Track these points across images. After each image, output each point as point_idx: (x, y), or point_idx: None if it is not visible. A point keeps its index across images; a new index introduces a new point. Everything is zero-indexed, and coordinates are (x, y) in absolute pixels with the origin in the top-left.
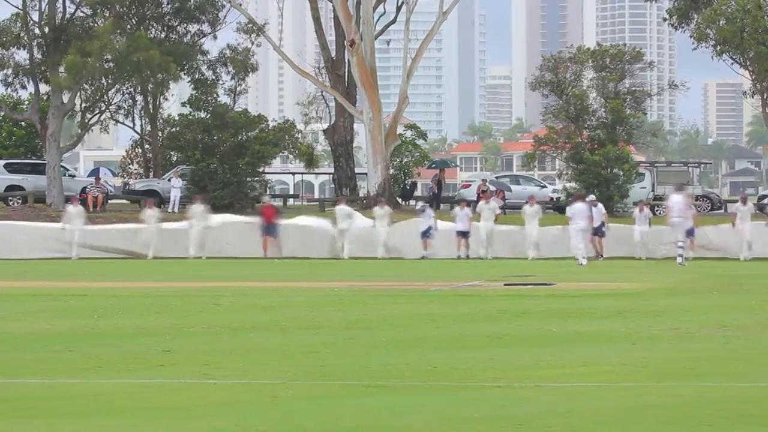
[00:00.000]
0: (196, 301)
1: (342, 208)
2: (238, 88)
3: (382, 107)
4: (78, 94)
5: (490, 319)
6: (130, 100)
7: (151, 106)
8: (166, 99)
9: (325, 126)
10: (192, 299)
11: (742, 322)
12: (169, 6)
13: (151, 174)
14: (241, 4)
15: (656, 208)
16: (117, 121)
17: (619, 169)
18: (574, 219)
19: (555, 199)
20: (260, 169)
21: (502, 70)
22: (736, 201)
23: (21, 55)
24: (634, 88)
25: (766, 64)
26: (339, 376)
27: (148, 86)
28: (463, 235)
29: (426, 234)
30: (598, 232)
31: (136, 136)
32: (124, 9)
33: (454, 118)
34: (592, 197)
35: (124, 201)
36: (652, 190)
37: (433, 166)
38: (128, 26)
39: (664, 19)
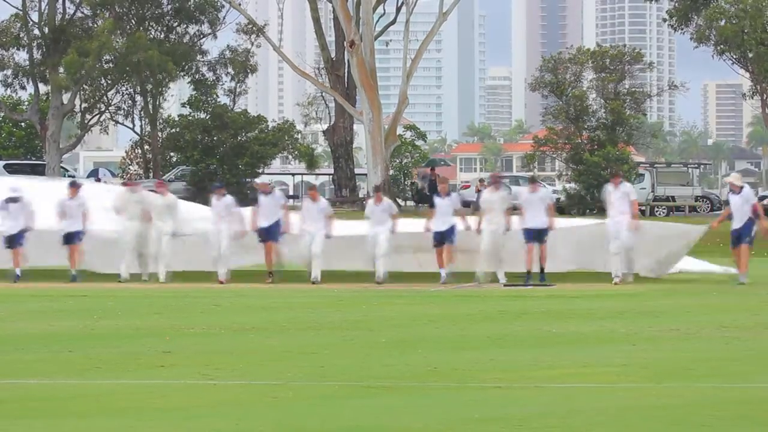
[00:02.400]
0: (196, 302)
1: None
2: (238, 89)
3: (381, 108)
4: (78, 94)
5: (490, 320)
6: (130, 101)
7: (150, 107)
8: (166, 99)
9: (325, 127)
10: (192, 300)
11: (742, 322)
12: (169, 6)
13: (151, 175)
14: (240, 5)
15: (655, 209)
16: (117, 122)
17: (619, 170)
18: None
19: (554, 201)
20: (260, 170)
21: (502, 71)
22: None
23: (21, 56)
24: (633, 89)
25: (766, 64)
26: (339, 377)
27: (147, 87)
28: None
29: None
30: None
31: (136, 137)
32: (124, 9)
33: (453, 119)
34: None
35: None
36: (652, 191)
37: (424, 165)
38: (128, 26)
39: (664, 20)
